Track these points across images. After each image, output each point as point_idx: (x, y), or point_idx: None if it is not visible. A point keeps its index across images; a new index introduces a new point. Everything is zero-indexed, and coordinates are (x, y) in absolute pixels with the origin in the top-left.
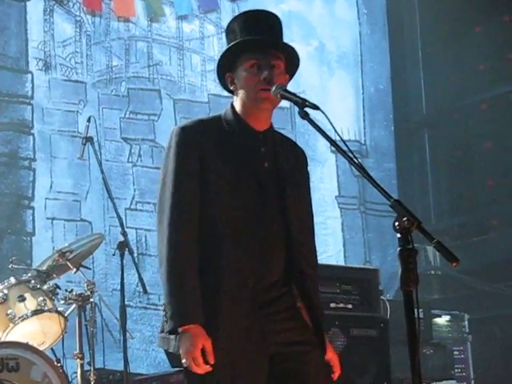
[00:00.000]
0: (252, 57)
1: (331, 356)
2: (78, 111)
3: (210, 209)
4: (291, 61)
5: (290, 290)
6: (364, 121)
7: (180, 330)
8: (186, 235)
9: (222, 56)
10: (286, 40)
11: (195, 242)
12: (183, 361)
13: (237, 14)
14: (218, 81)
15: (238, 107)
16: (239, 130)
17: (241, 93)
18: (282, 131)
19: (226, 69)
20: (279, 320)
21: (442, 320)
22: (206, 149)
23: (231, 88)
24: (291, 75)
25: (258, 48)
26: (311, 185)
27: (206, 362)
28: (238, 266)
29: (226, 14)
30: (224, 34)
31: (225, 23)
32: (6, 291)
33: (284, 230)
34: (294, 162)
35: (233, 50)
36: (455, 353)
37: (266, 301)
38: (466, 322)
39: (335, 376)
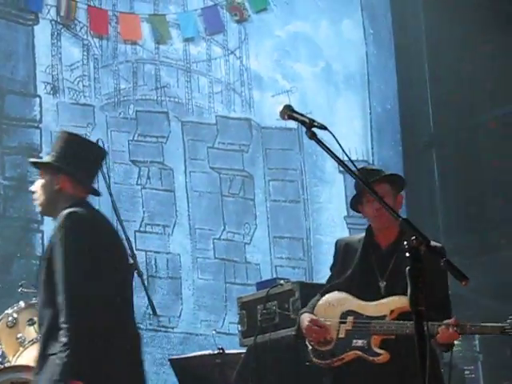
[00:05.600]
0: None
1: None
2: (86, 134)
3: None
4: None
5: None
6: (372, 141)
7: None
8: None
9: None
10: (291, 61)
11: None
12: None
13: (243, 35)
14: (225, 102)
15: None
16: None
17: None
18: (290, 152)
19: None
20: None
21: None
22: None
23: None
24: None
25: None
26: (319, 206)
27: None
28: None
29: (233, 36)
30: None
31: (231, 45)
32: (15, 315)
33: None
34: None
35: None
36: (466, 372)
37: None
38: (477, 342)
39: None
